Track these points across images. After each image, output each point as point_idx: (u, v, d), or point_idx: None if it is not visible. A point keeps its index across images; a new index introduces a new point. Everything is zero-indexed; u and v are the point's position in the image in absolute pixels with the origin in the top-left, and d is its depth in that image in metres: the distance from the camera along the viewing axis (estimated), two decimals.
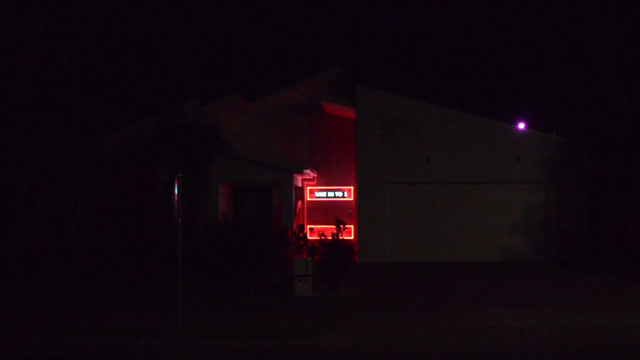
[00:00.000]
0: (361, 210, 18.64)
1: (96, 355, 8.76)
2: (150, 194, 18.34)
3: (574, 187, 18.49)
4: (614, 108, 20.46)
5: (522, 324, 9.95)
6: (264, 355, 8.63)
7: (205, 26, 36.46)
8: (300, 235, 13.44)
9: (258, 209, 19.53)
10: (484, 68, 32.11)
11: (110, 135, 19.20)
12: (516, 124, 18.62)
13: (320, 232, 13.72)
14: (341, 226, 13.29)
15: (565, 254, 18.31)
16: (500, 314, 10.73)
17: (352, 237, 19.04)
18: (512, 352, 8.65)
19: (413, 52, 34.29)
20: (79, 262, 16.77)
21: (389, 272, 16.50)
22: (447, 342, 9.14)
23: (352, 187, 19.78)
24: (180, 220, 10.17)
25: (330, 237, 13.22)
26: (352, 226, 19.26)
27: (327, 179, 20.10)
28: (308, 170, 18.45)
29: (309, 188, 20.10)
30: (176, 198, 10.11)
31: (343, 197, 19.95)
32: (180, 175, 10.13)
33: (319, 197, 20.00)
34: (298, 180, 19.09)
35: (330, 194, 19.98)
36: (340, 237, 13.26)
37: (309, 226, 19.51)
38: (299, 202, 19.42)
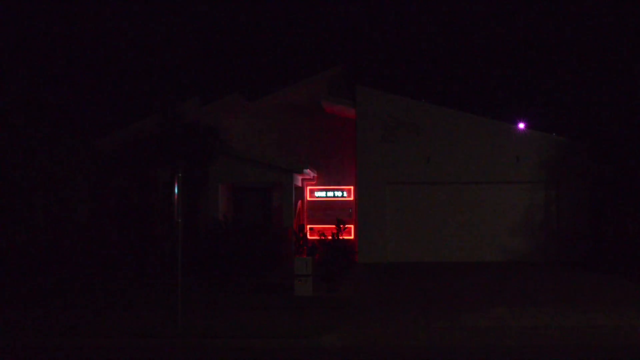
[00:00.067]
0: (361, 210, 18.65)
1: (96, 355, 8.76)
2: (150, 194, 18.34)
3: (574, 187, 18.49)
4: (614, 108, 20.46)
5: (522, 324, 9.95)
6: (264, 355, 8.63)
7: (206, 26, 36.47)
8: (300, 235, 13.45)
9: (258, 209, 19.53)
10: (484, 68, 32.11)
11: (110, 135, 19.20)
12: (517, 124, 18.61)
13: (320, 232, 13.73)
14: (341, 226, 13.30)
15: (565, 254, 18.31)
16: (500, 313, 10.72)
17: (352, 237, 19.04)
18: (512, 352, 8.64)
19: (413, 52, 34.29)
20: (79, 262, 16.79)
21: (389, 272, 16.50)
22: (447, 342, 9.14)
23: (352, 187, 19.79)
24: (180, 220, 10.17)
25: (330, 237, 13.23)
26: (352, 226, 19.26)
27: (327, 178, 20.10)
28: (308, 170, 18.46)
29: (309, 188, 20.11)
30: (176, 198, 10.10)
31: (343, 197, 19.95)
32: (180, 175, 10.13)
33: (319, 197, 20.01)
34: (298, 180, 19.10)
35: (330, 193, 19.98)
36: (340, 237, 13.27)
37: (309, 226, 19.51)
38: (299, 202, 19.42)
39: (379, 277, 15.76)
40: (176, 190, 10.04)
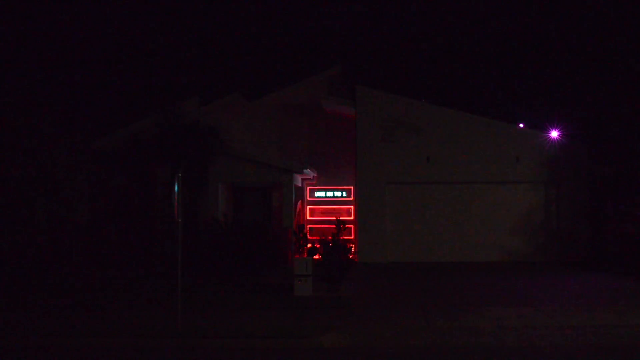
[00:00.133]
0: (361, 210, 18.64)
1: (96, 355, 8.76)
2: (150, 194, 18.34)
3: (574, 187, 18.49)
4: (614, 108, 20.45)
5: (522, 324, 9.95)
6: (264, 356, 8.63)
7: (206, 26, 36.47)
8: (300, 235, 13.45)
9: (258, 209, 19.53)
10: (484, 68, 32.12)
11: (110, 135, 19.19)
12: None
13: (320, 232, 13.73)
14: (341, 226, 13.29)
15: (565, 254, 18.31)
16: (500, 313, 10.72)
17: (352, 237, 19.04)
18: (512, 352, 8.65)
19: (413, 52, 34.29)
20: (79, 262, 16.79)
21: (389, 272, 16.50)
22: (447, 342, 9.14)
23: (352, 187, 19.78)
24: (180, 220, 10.16)
25: (330, 237, 13.23)
26: (352, 226, 19.26)
27: (327, 178, 20.10)
28: (308, 170, 18.46)
29: (309, 188, 20.11)
30: (176, 198, 10.10)
31: (343, 197, 19.95)
32: (180, 175, 10.13)
33: (319, 197, 20.01)
34: (298, 180, 19.10)
35: (330, 193, 19.98)
36: (340, 237, 13.27)
37: (308, 226, 19.51)
38: (299, 202, 19.42)
39: (379, 277, 15.76)
40: (176, 190, 10.04)
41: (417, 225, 18.76)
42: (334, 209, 19.57)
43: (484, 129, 18.71)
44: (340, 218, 13.79)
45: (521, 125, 18.56)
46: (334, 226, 13.40)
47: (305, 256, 12.79)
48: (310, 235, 16.67)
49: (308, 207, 20.03)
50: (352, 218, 19.56)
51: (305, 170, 18.20)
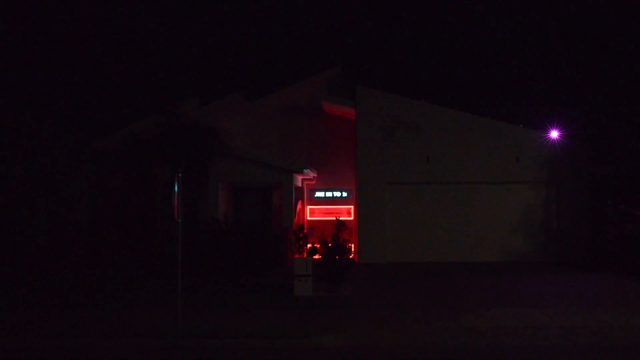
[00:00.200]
0: (361, 210, 18.64)
1: (96, 355, 8.76)
2: (150, 194, 18.35)
3: (574, 187, 18.49)
4: (614, 108, 20.46)
5: (522, 324, 9.95)
6: (264, 355, 8.63)
7: (206, 26, 36.47)
8: (300, 235, 13.45)
9: (258, 209, 19.53)
10: (484, 67, 32.11)
11: (110, 135, 19.20)
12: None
13: (320, 232, 13.73)
14: (341, 226, 13.29)
15: (565, 254, 18.31)
16: (500, 314, 10.72)
17: (352, 237, 19.03)
18: (512, 352, 8.65)
19: (413, 52, 34.28)
20: (79, 262, 16.79)
21: (389, 272, 16.50)
22: (447, 342, 9.14)
23: (352, 187, 19.78)
24: (180, 220, 10.16)
25: (330, 237, 13.23)
26: (352, 226, 19.26)
27: (327, 178, 20.10)
28: (308, 170, 18.46)
29: (309, 188, 20.11)
30: (176, 198, 10.10)
31: (343, 197, 19.95)
32: (180, 175, 10.13)
33: (319, 197, 20.01)
34: (298, 180, 19.10)
35: (330, 193, 19.98)
36: (340, 237, 13.27)
37: (309, 226, 19.51)
38: (299, 202, 19.42)
39: (378, 277, 15.76)
40: (176, 190, 10.04)
41: (417, 225, 18.76)
42: (334, 209, 19.58)
43: (484, 129, 18.71)
44: (340, 218, 13.80)
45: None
46: (334, 226, 13.40)
47: (305, 256, 12.80)
48: (310, 235, 16.69)
49: (308, 207, 20.04)
50: (352, 218, 19.56)
51: (305, 170, 18.21)
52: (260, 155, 18.76)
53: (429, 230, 18.71)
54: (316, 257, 13.11)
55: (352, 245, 17.26)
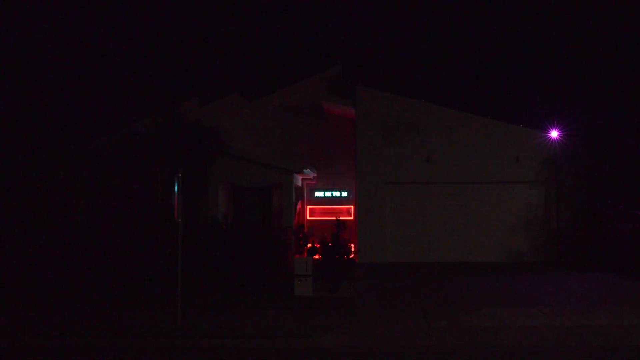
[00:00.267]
0: (361, 210, 18.64)
1: (96, 355, 8.76)
2: (150, 194, 18.33)
3: (574, 187, 18.49)
4: (614, 108, 20.45)
5: (522, 324, 9.95)
6: (264, 355, 8.63)
7: (206, 26, 36.47)
8: (300, 235, 13.48)
9: (258, 209, 19.53)
10: (484, 68, 32.12)
11: (110, 135, 19.20)
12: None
13: (320, 232, 13.74)
14: (341, 226, 13.30)
15: (565, 254, 18.31)
16: (500, 313, 10.73)
17: (352, 237, 19.03)
18: (512, 352, 8.65)
19: (414, 52, 34.29)
20: (79, 262, 16.78)
21: (389, 272, 16.50)
22: (447, 342, 9.14)
23: (352, 187, 19.79)
24: (180, 220, 10.17)
25: (330, 237, 13.24)
26: (352, 226, 19.26)
27: (327, 178, 20.11)
28: (308, 170, 18.46)
29: (309, 188, 20.11)
30: (176, 198, 10.10)
31: (343, 197, 19.96)
32: (180, 175, 10.13)
33: (319, 197, 20.01)
34: (298, 180, 19.10)
35: (330, 193, 19.99)
36: (340, 237, 13.28)
37: (309, 226, 19.51)
38: (299, 202, 19.42)
39: (378, 277, 15.75)
40: (176, 190, 10.04)
41: (417, 225, 18.76)
42: (334, 209, 19.59)
43: (484, 129, 18.71)
44: (340, 218, 13.81)
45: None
46: (334, 226, 13.41)
47: (305, 256, 12.82)
48: (310, 236, 16.69)
49: (308, 207, 20.04)
50: (352, 218, 19.57)
51: (305, 170, 18.20)
52: (260, 155, 18.76)
53: (429, 230, 18.71)
54: (316, 257, 13.12)
55: (352, 245, 17.28)
